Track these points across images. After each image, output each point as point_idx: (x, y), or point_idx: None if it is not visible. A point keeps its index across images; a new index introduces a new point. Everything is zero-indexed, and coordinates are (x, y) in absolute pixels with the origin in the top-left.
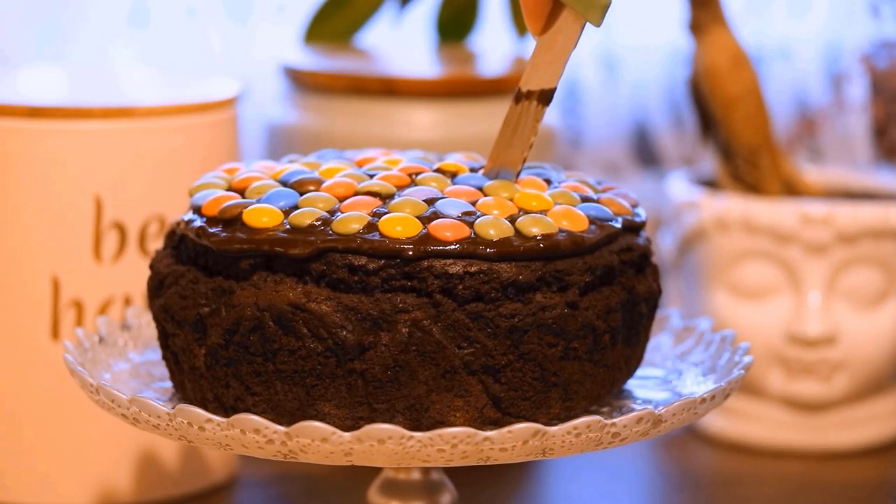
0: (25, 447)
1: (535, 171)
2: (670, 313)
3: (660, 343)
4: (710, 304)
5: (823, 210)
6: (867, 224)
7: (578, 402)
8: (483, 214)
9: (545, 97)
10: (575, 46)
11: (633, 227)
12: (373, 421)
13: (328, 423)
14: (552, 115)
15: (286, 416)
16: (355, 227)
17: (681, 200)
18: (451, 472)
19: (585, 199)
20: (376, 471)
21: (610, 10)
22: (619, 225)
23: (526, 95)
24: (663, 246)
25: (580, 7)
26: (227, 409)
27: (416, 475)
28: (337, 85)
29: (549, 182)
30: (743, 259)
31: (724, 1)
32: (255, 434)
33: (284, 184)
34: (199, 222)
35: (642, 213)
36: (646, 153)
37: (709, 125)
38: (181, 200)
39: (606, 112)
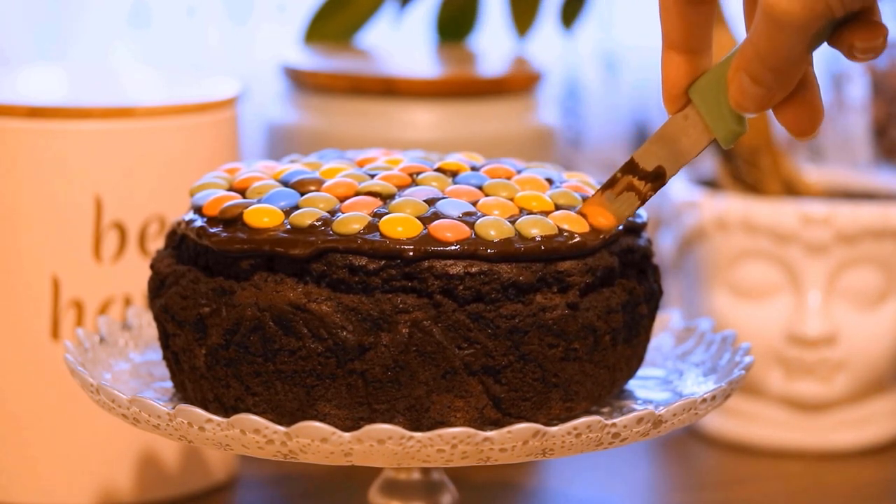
0: (25, 447)
1: (537, 170)
2: (671, 314)
3: (660, 343)
4: (711, 304)
5: (823, 210)
6: (867, 224)
7: (579, 402)
8: (483, 215)
9: (656, 178)
10: (698, 154)
11: (634, 228)
12: (373, 421)
13: (328, 423)
14: (552, 115)
15: (286, 417)
16: (356, 227)
17: (681, 200)
18: (451, 472)
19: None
20: (376, 471)
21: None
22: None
23: (634, 171)
24: (663, 246)
25: (711, 120)
26: (227, 410)
27: (416, 475)
28: (337, 85)
29: (550, 182)
30: (743, 259)
31: (724, 1)
32: (255, 434)
33: (285, 184)
34: (199, 222)
35: (643, 214)
36: None
37: None
38: (181, 200)
39: (606, 112)
